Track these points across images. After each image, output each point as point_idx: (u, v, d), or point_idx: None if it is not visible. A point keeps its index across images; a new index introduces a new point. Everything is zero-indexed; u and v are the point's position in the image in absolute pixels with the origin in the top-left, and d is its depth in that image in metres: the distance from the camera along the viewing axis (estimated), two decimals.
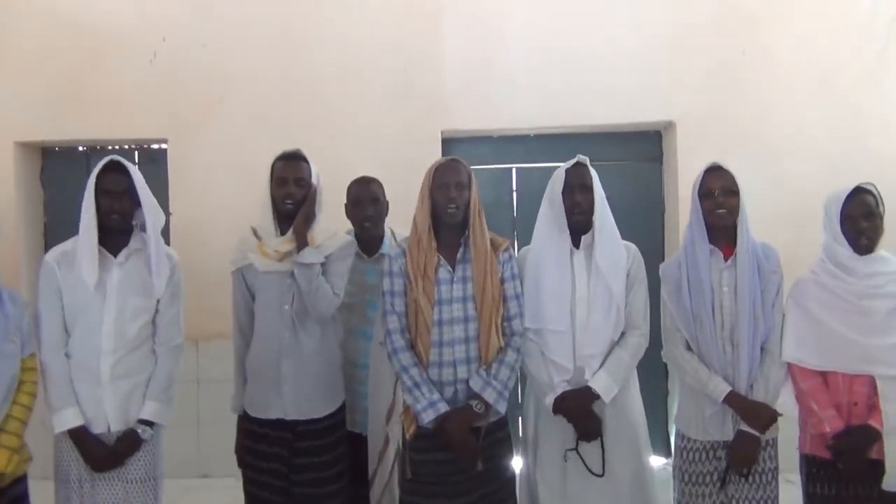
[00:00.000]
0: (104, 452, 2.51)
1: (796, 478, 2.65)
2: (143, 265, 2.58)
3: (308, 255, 2.57)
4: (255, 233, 2.68)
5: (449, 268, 2.50)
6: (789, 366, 2.55)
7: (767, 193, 4.39)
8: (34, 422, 2.54)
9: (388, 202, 3.09)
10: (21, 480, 2.52)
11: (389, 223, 3.13)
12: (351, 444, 2.85)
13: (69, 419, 2.49)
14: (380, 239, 3.04)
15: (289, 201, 2.61)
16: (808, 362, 2.51)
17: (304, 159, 2.67)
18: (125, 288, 2.55)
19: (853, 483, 2.44)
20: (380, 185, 3.07)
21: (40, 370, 2.53)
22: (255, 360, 2.68)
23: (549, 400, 2.55)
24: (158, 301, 2.61)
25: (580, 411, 2.53)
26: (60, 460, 2.56)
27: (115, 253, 2.56)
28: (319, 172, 2.70)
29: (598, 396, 2.52)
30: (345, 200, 3.09)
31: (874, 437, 2.39)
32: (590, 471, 2.53)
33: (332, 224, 3.14)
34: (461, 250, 2.52)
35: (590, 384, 2.53)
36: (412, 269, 2.47)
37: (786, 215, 4.32)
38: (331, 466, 2.67)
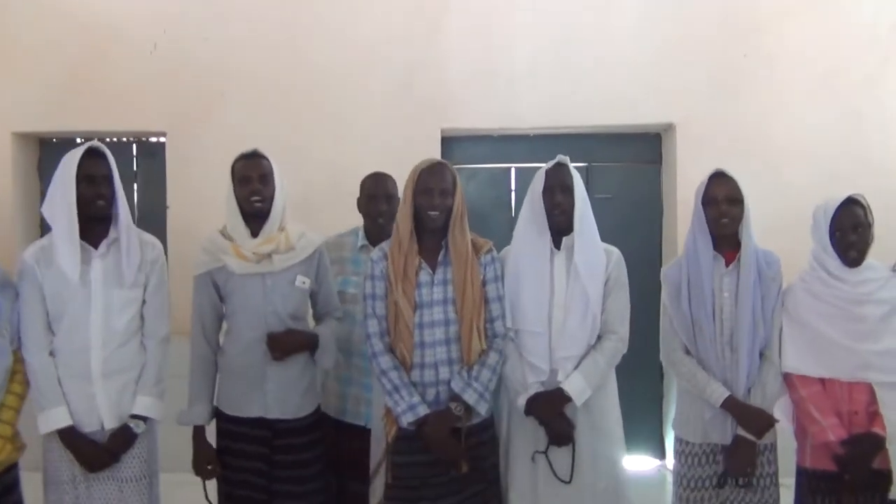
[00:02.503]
0: (96, 451, 2.46)
1: (791, 482, 2.63)
2: (139, 256, 2.54)
3: (325, 361, 2.67)
4: (223, 235, 2.61)
5: (429, 270, 2.48)
6: (787, 375, 2.54)
7: (766, 199, 4.36)
8: (26, 413, 2.51)
9: (399, 199, 3.11)
10: (12, 468, 2.49)
11: None
12: (352, 437, 2.85)
13: (57, 419, 2.44)
14: (390, 234, 3.06)
15: (256, 198, 2.55)
16: (806, 370, 2.50)
17: (265, 157, 2.61)
18: (109, 280, 2.50)
19: (857, 494, 2.42)
20: (394, 182, 3.09)
21: (29, 371, 2.47)
22: (234, 360, 2.60)
23: (521, 401, 2.52)
24: (145, 291, 2.57)
25: (551, 413, 2.50)
26: (50, 461, 2.50)
27: (94, 245, 2.50)
28: (282, 173, 2.66)
29: (569, 399, 2.49)
30: (349, 194, 3.11)
31: (880, 444, 2.38)
32: (557, 476, 2.50)
33: (344, 220, 3.15)
34: (442, 253, 2.49)
35: (562, 386, 2.50)
36: (393, 272, 2.45)
37: (785, 221, 4.29)
38: (312, 464, 2.64)
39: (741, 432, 2.49)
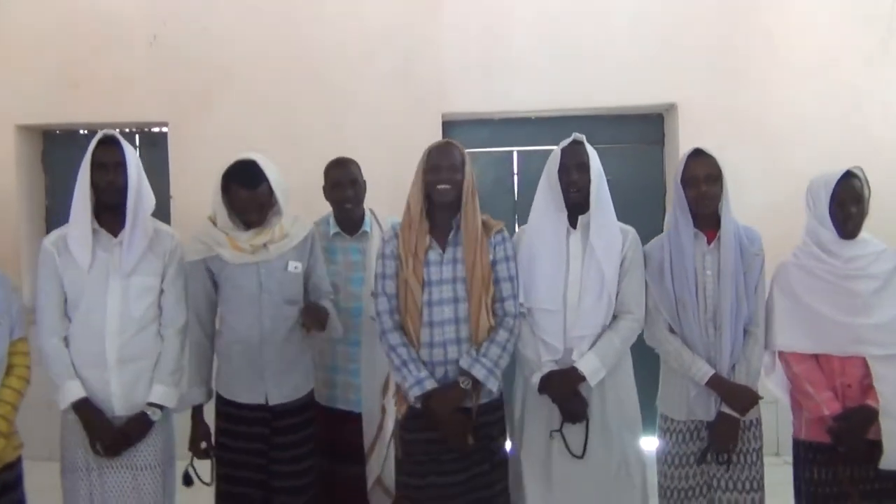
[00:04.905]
0: (111, 431, 2.48)
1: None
2: (144, 244, 2.56)
3: (336, 331, 2.72)
4: (213, 223, 2.64)
5: (439, 249, 2.51)
6: (780, 353, 2.56)
7: (767, 178, 4.40)
8: (38, 403, 2.54)
9: (365, 182, 3.13)
10: (13, 467, 2.49)
11: (375, 204, 3.19)
12: (344, 423, 2.88)
13: (73, 392, 2.46)
14: (360, 218, 3.09)
15: (253, 216, 2.59)
16: (800, 347, 2.51)
17: (257, 162, 2.59)
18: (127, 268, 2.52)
19: (852, 464, 2.45)
20: (357, 166, 3.13)
21: (42, 355, 2.50)
22: (231, 347, 2.64)
23: (536, 379, 2.54)
24: (163, 281, 2.59)
25: (565, 392, 2.52)
26: (66, 448, 2.54)
27: (115, 233, 2.53)
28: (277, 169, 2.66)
29: (583, 378, 2.51)
30: (321, 186, 3.13)
31: (872, 416, 2.40)
32: (571, 452, 2.53)
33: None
34: (452, 232, 2.53)
35: (576, 365, 2.52)
36: (403, 250, 2.49)
37: (785, 200, 4.27)
38: (306, 443, 2.70)
39: (725, 409, 2.50)
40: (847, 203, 2.46)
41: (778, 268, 2.60)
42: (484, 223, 2.54)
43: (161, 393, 2.55)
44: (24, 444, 2.55)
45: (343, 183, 3.03)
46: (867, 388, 2.43)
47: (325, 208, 3.15)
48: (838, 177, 2.47)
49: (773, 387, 2.66)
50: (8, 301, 2.48)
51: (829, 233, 2.48)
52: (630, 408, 2.66)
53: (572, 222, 2.61)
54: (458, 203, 2.51)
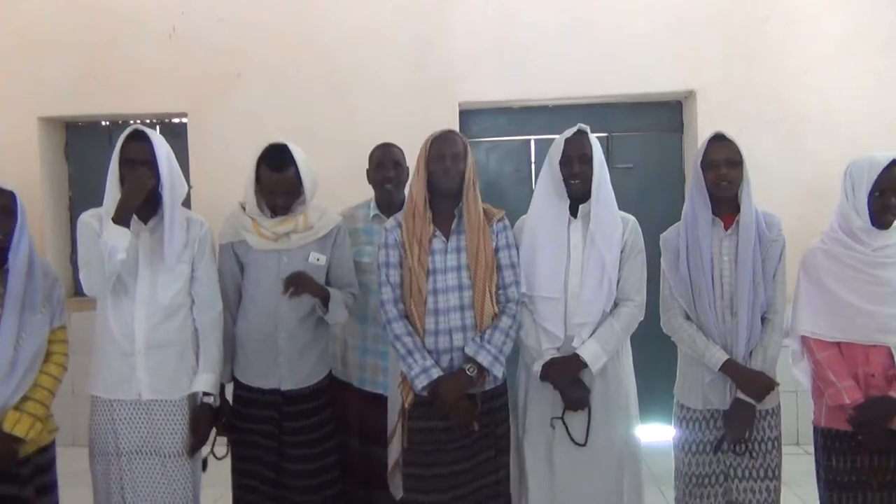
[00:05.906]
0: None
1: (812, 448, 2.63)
2: (182, 239, 2.57)
3: (336, 316, 2.68)
4: (243, 208, 2.69)
5: (443, 238, 2.53)
6: (803, 338, 2.53)
7: (787, 164, 4.35)
8: (62, 390, 2.57)
9: (408, 168, 3.15)
10: (47, 450, 2.54)
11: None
12: (374, 405, 2.90)
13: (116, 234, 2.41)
14: (400, 203, 3.09)
15: (281, 203, 2.63)
16: (824, 334, 2.48)
17: (290, 154, 2.63)
18: (156, 255, 2.54)
19: (872, 454, 2.41)
20: (401, 151, 3.17)
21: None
22: (249, 331, 2.69)
23: (537, 367, 2.55)
24: (193, 268, 2.61)
25: (567, 379, 2.53)
26: (96, 432, 2.56)
27: (145, 220, 2.55)
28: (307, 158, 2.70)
29: (585, 364, 2.51)
30: (365, 169, 3.18)
31: (894, 407, 2.36)
32: (573, 440, 2.53)
33: (361, 197, 3.19)
34: (455, 221, 2.54)
35: (578, 352, 2.52)
36: (407, 239, 2.50)
37: (806, 186, 4.27)
38: (321, 427, 2.73)
39: (741, 395, 2.48)
40: (889, 193, 2.38)
41: (806, 252, 2.55)
42: (485, 211, 2.56)
43: (211, 382, 2.59)
44: (58, 428, 2.59)
45: (385, 164, 3.09)
46: (891, 378, 2.39)
47: (342, 198, 3.17)
48: (884, 165, 2.38)
49: (798, 374, 2.62)
50: (50, 290, 2.53)
51: (861, 221, 2.41)
52: (630, 395, 2.67)
53: (573, 211, 2.61)
54: (459, 192, 2.52)
